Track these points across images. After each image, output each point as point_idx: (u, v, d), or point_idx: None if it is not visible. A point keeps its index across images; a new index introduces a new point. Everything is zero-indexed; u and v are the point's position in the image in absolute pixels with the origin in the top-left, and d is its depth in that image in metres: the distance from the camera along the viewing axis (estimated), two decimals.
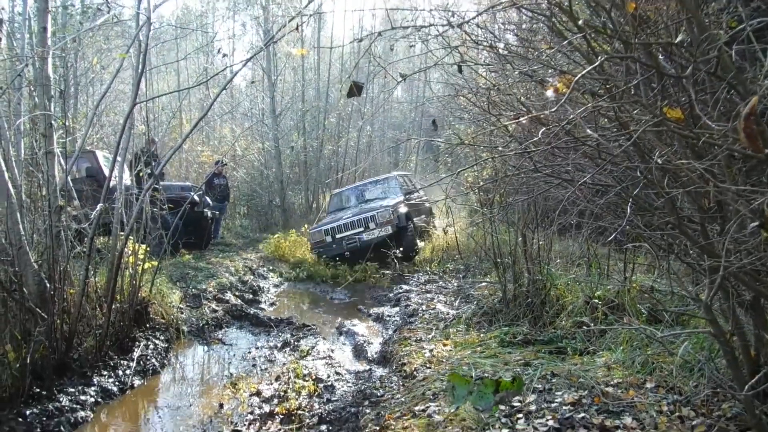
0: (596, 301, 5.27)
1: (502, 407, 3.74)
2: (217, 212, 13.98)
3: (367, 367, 6.05)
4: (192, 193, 10.43)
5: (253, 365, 6.56)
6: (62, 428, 4.91)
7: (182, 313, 8.19)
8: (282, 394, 5.43)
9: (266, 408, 5.17)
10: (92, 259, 6.15)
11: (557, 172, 3.26)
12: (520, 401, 3.80)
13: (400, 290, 9.14)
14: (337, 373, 5.89)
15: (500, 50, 3.91)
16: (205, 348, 7.53)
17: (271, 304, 10.33)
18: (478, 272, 9.03)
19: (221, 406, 5.37)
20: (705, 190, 2.28)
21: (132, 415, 5.52)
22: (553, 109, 1.83)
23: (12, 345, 5.10)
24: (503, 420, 3.60)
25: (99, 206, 6.08)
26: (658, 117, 2.04)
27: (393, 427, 4.01)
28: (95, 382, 5.72)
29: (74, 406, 5.24)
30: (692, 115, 2.15)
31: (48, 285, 5.60)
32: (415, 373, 5.10)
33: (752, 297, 2.71)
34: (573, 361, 4.45)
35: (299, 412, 4.97)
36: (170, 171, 16.02)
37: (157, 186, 7.28)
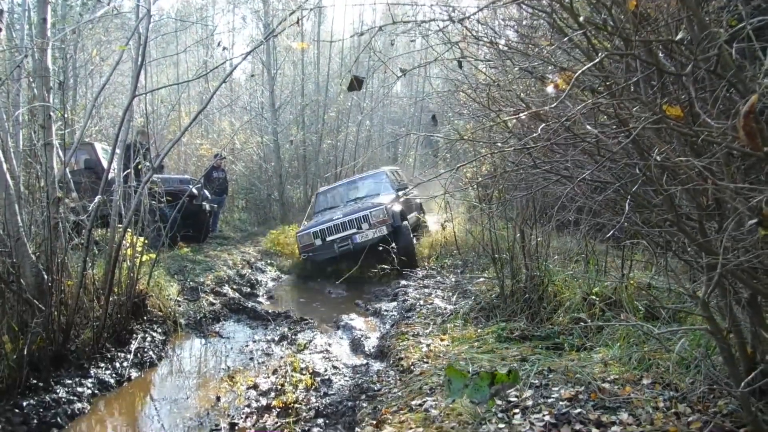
0: (593, 297, 5.28)
1: (499, 402, 3.75)
2: (216, 205, 13.99)
3: (365, 362, 6.06)
4: (190, 186, 10.42)
5: (251, 358, 6.57)
6: (59, 420, 4.92)
7: (180, 306, 8.20)
8: (279, 387, 5.44)
9: (263, 401, 5.18)
10: (90, 251, 6.15)
11: (556, 168, 3.27)
12: (516, 396, 3.82)
13: (398, 285, 9.15)
14: (335, 367, 5.90)
15: (500, 46, 3.91)
16: (203, 341, 7.54)
17: (269, 298, 10.33)
18: (476, 268, 9.04)
19: (218, 399, 5.38)
20: (703, 187, 2.29)
21: (129, 407, 5.53)
22: (553, 105, 1.83)
23: (9, 336, 5.10)
24: (500, 415, 3.61)
25: (97, 198, 6.07)
26: (657, 114, 2.04)
27: (390, 421, 4.02)
28: (92, 374, 5.73)
29: (71, 397, 5.25)
30: (691, 113, 2.15)
31: (46, 276, 5.60)
32: (412, 367, 5.11)
33: (749, 294, 2.71)
34: (570, 357, 4.46)
35: (296, 405, 4.98)
36: (169, 164, 15.99)
37: (154, 179, 7.26)
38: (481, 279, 7.53)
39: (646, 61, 2.20)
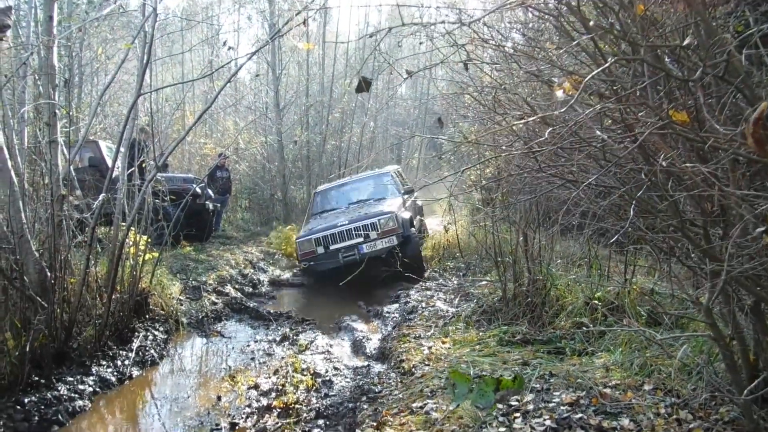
0: (596, 302, 5.27)
1: (500, 406, 3.74)
2: (219, 205, 13.99)
3: (366, 363, 6.05)
4: (194, 185, 10.43)
5: (252, 358, 6.57)
6: (60, 417, 4.92)
7: (182, 304, 8.20)
8: (280, 387, 5.44)
9: (264, 401, 5.18)
10: (93, 249, 6.16)
11: (561, 172, 3.26)
12: (518, 400, 3.80)
13: (400, 287, 9.14)
14: (336, 368, 5.90)
15: (507, 49, 3.91)
16: (204, 340, 7.54)
17: (271, 298, 10.33)
18: (479, 271, 9.04)
19: (219, 398, 5.38)
20: (709, 193, 2.28)
21: (130, 405, 5.53)
22: (562, 110, 1.82)
23: (12, 333, 5.11)
24: (500, 419, 3.60)
25: (101, 196, 6.08)
26: (664, 120, 2.03)
27: (390, 423, 4.01)
28: (94, 372, 5.73)
29: (72, 395, 5.26)
30: (698, 119, 2.15)
31: (49, 274, 5.61)
32: (413, 370, 5.11)
33: (753, 302, 2.71)
34: (571, 362, 4.45)
35: (297, 406, 4.98)
36: (173, 163, 15.98)
37: (158, 177, 7.28)
38: (484, 282, 7.53)
39: (653, 66, 2.20)
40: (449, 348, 5.52)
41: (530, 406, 3.70)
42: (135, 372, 6.11)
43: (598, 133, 2.18)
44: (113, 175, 6.71)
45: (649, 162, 2.36)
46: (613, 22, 2.38)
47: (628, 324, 4.51)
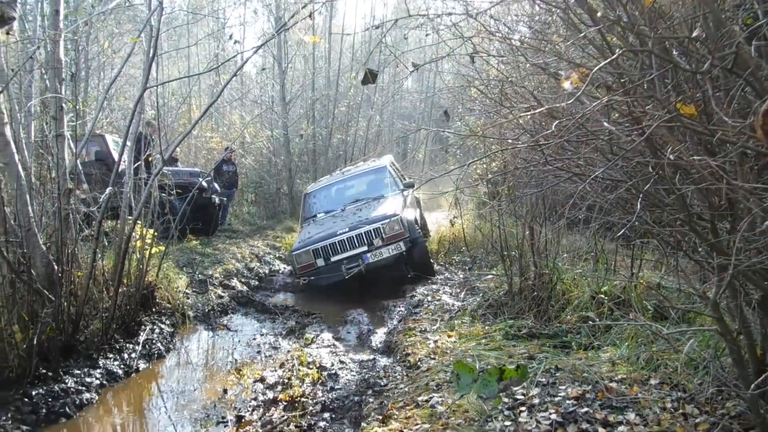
0: (602, 296, 5.26)
1: (506, 400, 3.75)
2: (225, 199, 14.00)
3: (371, 357, 6.06)
4: (200, 179, 10.44)
5: (258, 352, 6.59)
6: (67, 409, 4.95)
7: (188, 298, 8.23)
8: (286, 381, 5.45)
9: (270, 394, 5.20)
10: (100, 243, 6.17)
11: (567, 165, 3.25)
12: (523, 394, 3.81)
13: (406, 281, 9.13)
14: (341, 362, 5.90)
15: (513, 42, 3.89)
16: (211, 333, 7.56)
17: (277, 291, 10.35)
18: (485, 265, 9.03)
19: (225, 391, 5.40)
20: (716, 187, 2.27)
21: (136, 398, 5.56)
22: (569, 102, 1.81)
23: (19, 326, 5.14)
24: (506, 413, 3.61)
25: (108, 190, 6.09)
26: (672, 113, 2.02)
27: (396, 416, 4.02)
28: (101, 365, 5.76)
29: (80, 387, 5.28)
30: (706, 112, 2.14)
31: (56, 267, 5.63)
32: (419, 363, 5.11)
33: (760, 296, 2.70)
34: (577, 356, 4.45)
35: (303, 399, 4.99)
36: (180, 157, 15.99)
37: (165, 171, 7.29)
38: (490, 276, 7.52)
39: (661, 58, 2.18)
40: (455, 342, 5.52)
41: (536, 400, 3.70)
42: (142, 365, 6.14)
43: (605, 125, 2.17)
44: (120, 169, 6.72)
45: (657, 155, 2.34)
46: (620, 14, 2.36)
47: (635, 318, 4.50)
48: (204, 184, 11.15)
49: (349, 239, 8.96)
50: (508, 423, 3.49)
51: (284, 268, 12.07)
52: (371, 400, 4.72)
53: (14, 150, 5.58)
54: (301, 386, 5.26)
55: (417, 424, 3.80)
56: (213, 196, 12.37)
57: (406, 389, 4.54)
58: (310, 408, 4.84)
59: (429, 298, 7.58)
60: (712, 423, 2.97)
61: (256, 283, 10.46)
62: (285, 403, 4.99)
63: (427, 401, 4.11)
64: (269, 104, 20.35)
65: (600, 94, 2.28)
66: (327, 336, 6.88)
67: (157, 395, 5.60)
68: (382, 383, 5.01)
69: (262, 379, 5.59)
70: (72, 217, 6.00)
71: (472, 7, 3.40)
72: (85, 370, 5.56)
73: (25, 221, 5.52)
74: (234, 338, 7.29)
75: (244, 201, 18.99)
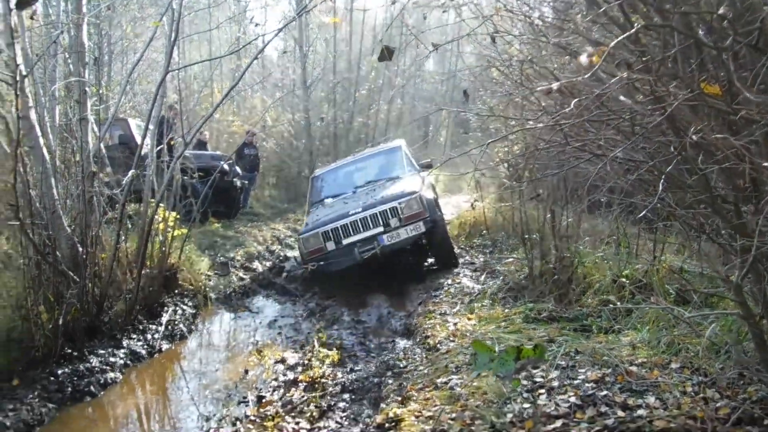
0: (624, 280, 5.21)
1: (525, 382, 3.75)
2: (247, 182, 14.07)
3: (391, 339, 6.08)
4: (222, 163, 10.50)
5: (279, 333, 6.65)
6: (92, 388, 5.05)
7: (210, 280, 8.32)
8: (306, 362, 5.50)
9: (290, 375, 5.25)
10: (123, 225, 6.26)
11: (589, 147, 3.21)
12: (542, 377, 3.80)
13: (426, 264, 9.12)
14: (361, 343, 5.94)
15: (535, 20, 3.84)
16: (232, 315, 7.64)
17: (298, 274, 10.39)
18: (506, 248, 8.99)
19: (246, 372, 5.46)
20: (740, 167, 2.23)
21: (159, 378, 5.65)
22: (586, 76, 1.78)
23: (45, 307, 5.23)
24: (525, 395, 3.60)
25: (130, 172, 6.16)
26: (695, 91, 1.98)
27: (415, 398, 4.04)
28: (125, 345, 5.87)
29: (104, 367, 5.39)
30: (730, 90, 2.09)
31: (80, 249, 5.71)
32: (438, 345, 5.12)
33: None
34: (598, 340, 4.42)
35: (323, 380, 5.03)
36: (207, 140, 16.03)
37: (186, 155, 7.34)
38: (510, 259, 7.49)
39: (684, 34, 2.13)
40: (474, 324, 5.51)
41: (555, 383, 3.69)
42: (164, 345, 6.24)
43: (623, 99, 2.13)
44: (143, 153, 6.78)
45: (679, 135, 2.31)
46: None
47: (656, 302, 4.46)
48: (225, 167, 11.21)
49: (362, 220, 8.09)
50: (526, 405, 3.49)
51: None
52: (390, 381, 4.75)
53: (39, 134, 5.66)
54: (321, 367, 5.30)
55: (436, 406, 3.82)
56: (234, 179, 12.44)
57: (426, 371, 4.56)
58: (330, 389, 4.88)
59: (449, 281, 7.56)
60: (733, 407, 2.94)
61: (277, 265, 10.52)
62: (305, 384, 5.04)
63: (446, 383, 4.12)
64: (291, 88, 20.35)
65: (622, 73, 2.24)
66: (347, 318, 6.92)
67: (179, 375, 5.68)
68: (402, 365, 5.03)
69: (282, 360, 5.64)
70: (96, 199, 6.08)
71: None
72: (110, 350, 5.67)
73: (50, 204, 5.61)
74: (255, 320, 7.36)
75: (265, 184, 19.08)
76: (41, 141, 5.65)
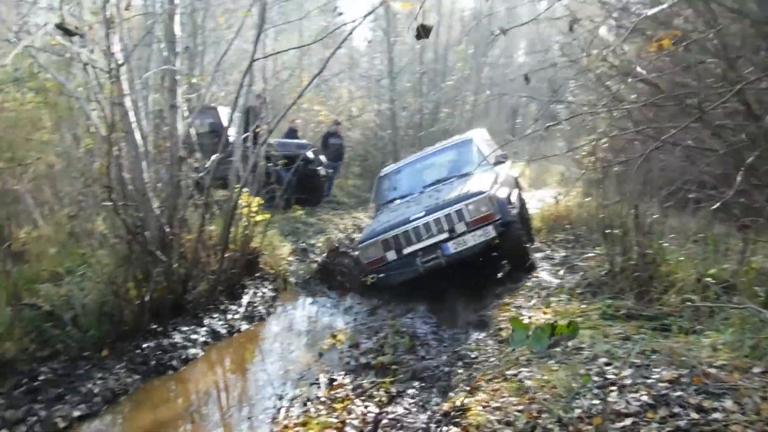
0: (709, 279, 4.98)
1: (596, 378, 3.67)
2: (331, 171, 14.28)
3: (464, 330, 6.05)
4: (306, 151, 10.70)
5: (354, 319, 6.76)
6: (174, 363, 5.31)
7: (290, 265, 8.52)
8: (379, 348, 5.58)
9: (362, 360, 5.34)
10: (209, 209, 6.50)
11: (660, 133, 3.09)
12: (614, 374, 3.70)
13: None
14: (434, 333, 5.96)
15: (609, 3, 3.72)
16: (310, 300, 7.80)
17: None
18: (588, 243, 8.74)
19: (320, 355, 5.59)
20: None
21: (237, 356, 5.87)
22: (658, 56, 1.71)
23: (134, 284, 5.53)
24: (595, 391, 3.53)
25: (213, 156, 6.39)
26: None
27: (483, 388, 4.03)
28: (206, 324, 6.12)
29: (186, 343, 5.65)
30: None
31: (167, 230, 5.99)
32: (554, 348, 5.04)
33: None
34: (676, 340, 4.25)
35: (394, 366, 5.09)
36: (298, 127, 16.35)
37: (270, 142, 7.54)
38: (591, 254, 7.29)
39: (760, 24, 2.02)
40: (550, 318, 5.41)
41: (627, 381, 3.59)
42: (244, 326, 6.46)
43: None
44: (230, 140, 7.01)
45: (757, 120, 2.19)
46: None
47: (742, 303, 4.24)
48: (310, 155, 11.43)
49: (425, 225, 7.26)
50: (596, 402, 3.42)
51: None
52: (461, 371, 4.74)
53: (133, 120, 5.95)
54: (393, 354, 5.37)
55: (503, 397, 3.80)
56: (319, 168, 12.65)
57: (496, 363, 4.53)
58: (401, 375, 4.93)
59: (527, 275, 7.44)
60: None
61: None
62: (376, 370, 5.11)
63: (515, 375, 4.09)
64: (377, 78, 20.48)
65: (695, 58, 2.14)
66: (422, 308, 6.93)
67: (256, 355, 5.87)
68: (473, 356, 5.01)
69: (356, 345, 5.74)
70: (183, 183, 6.35)
71: None
72: (192, 327, 5.93)
73: (141, 187, 5.90)
74: (332, 305, 7.49)
75: (349, 174, 19.30)
76: (135, 126, 5.94)
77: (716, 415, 3.00)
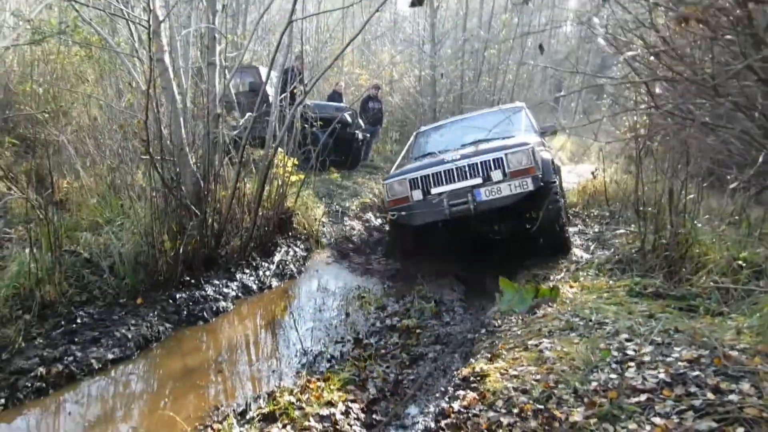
0: (741, 262, 4.91)
1: (615, 353, 3.69)
2: (369, 135, 14.27)
3: (491, 299, 6.09)
4: (344, 113, 10.71)
5: (382, 282, 6.84)
6: (205, 314, 5.48)
7: (323, 226, 8.62)
8: (404, 311, 5.68)
9: (388, 322, 5.44)
10: (244, 166, 6.60)
11: (680, 111, 3.04)
12: (634, 350, 3.72)
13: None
14: (460, 300, 6.03)
15: None
16: (341, 261, 7.90)
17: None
18: (623, 220, 8.65)
19: (347, 315, 5.70)
20: None
21: (267, 312, 6.01)
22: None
23: (169, 236, 5.67)
24: (613, 366, 3.55)
25: (248, 115, 6.45)
26: None
27: (504, 356, 4.09)
28: (237, 279, 6.27)
29: (217, 296, 5.81)
30: None
31: (203, 185, 6.11)
32: (535, 309, 5.08)
33: None
34: (701, 321, 4.23)
35: (418, 330, 5.18)
36: (326, 91, 16.38)
37: (307, 103, 7.56)
38: (623, 231, 7.22)
39: None
40: (576, 292, 5.42)
41: (646, 358, 3.60)
42: (274, 283, 6.60)
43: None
44: (269, 99, 7.06)
45: None
46: None
47: None
48: (348, 118, 11.43)
49: (459, 169, 6.78)
50: (613, 376, 3.44)
51: None
52: (483, 338, 4.81)
53: (171, 76, 6.04)
54: (418, 318, 5.45)
55: (522, 366, 3.84)
56: (357, 131, 12.66)
57: (519, 332, 4.57)
58: (424, 339, 5.02)
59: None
60: None
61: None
62: (401, 332, 5.21)
63: (536, 345, 4.13)
64: (419, 43, 20.28)
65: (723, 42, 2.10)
66: (450, 275, 6.98)
67: (285, 311, 6.00)
68: (496, 324, 5.06)
69: (383, 308, 5.84)
70: (220, 140, 6.45)
71: None
72: (224, 281, 6.09)
73: (179, 142, 6.01)
74: (362, 268, 7.57)
75: (387, 138, 19.29)
76: (173, 83, 6.03)
77: (732, 397, 3.00)
